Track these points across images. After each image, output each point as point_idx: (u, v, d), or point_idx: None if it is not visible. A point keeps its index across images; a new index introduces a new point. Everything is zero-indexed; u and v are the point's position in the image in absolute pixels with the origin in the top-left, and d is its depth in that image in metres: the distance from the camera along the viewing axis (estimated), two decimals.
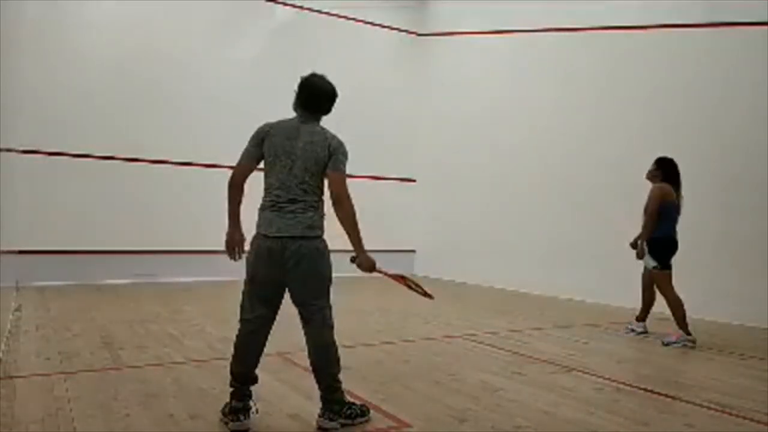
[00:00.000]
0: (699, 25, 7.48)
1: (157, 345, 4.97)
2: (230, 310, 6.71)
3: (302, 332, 3.30)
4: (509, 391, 3.95)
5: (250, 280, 3.24)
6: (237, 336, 3.25)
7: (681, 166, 6.01)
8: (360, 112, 10.19)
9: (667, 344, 5.53)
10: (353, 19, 11.03)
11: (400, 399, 3.66)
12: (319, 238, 3.13)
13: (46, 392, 3.59)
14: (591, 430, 3.26)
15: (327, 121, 3.33)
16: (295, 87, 3.27)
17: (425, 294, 3.52)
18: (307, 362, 4.41)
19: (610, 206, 7.99)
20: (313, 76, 3.25)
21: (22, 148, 8.39)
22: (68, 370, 4.08)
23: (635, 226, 5.97)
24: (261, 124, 3.30)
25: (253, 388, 3.21)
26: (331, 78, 3.32)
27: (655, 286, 5.87)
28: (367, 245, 3.18)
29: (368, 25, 11.26)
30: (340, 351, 3.28)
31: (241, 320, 3.27)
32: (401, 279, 3.47)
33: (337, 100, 3.33)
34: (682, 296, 5.57)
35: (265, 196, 3.19)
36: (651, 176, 5.84)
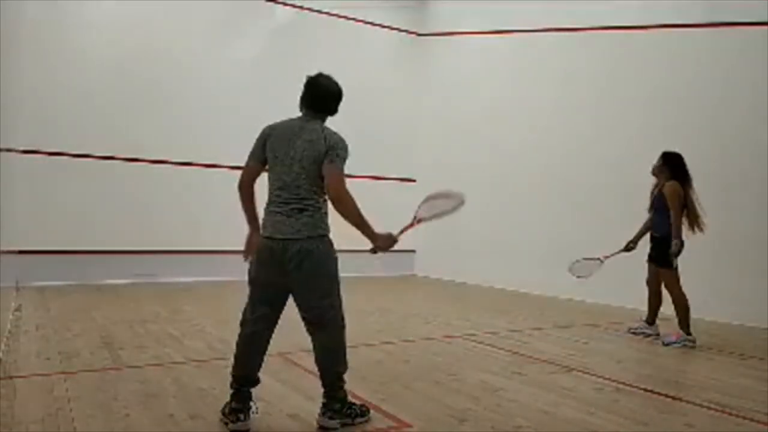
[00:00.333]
0: (699, 25, 7.48)
1: (157, 345, 4.97)
2: (230, 310, 6.72)
3: (304, 331, 3.29)
4: (509, 391, 3.95)
5: (251, 282, 3.24)
6: (238, 337, 3.25)
7: (687, 168, 5.99)
8: (360, 112, 10.18)
9: (667, 344, 5.53)
10: (353, 19, 11.03)
11: (400, 399, 3.66)
12: (322, 237, 3.10)
13: (46, 392, 3.59)
14: (591, 430, 3.26)
15: (329, 121, 3.33)
16: (302, 86, 3.27)
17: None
18: (307, 362, 4.42)
19: (610, 206, 7.99)
20: (320, 76, 3.25)
21: (22, 148, 8.39)
22: (68, 370, 4.08)
23: (634, 226, 5.98)
24: (262, 123, 3.31)
25: (258, 388, 3.21)
26: None
27: (663, 288, 5.82)
28: (368, 245, 3.18)
29: (368, 25, 11.26)
30: None
31: (242, 322, 3.27)
32: (417, 222, 3.42)
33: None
34: None
35: (268, 198, 3.19)
36: (658, 172, 5.74)
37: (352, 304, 3.36)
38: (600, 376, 4.41)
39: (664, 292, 5.80)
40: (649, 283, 5.92)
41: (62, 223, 8.58)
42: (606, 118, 8.52)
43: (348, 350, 3.28)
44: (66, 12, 8.77)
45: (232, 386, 3.17)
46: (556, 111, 9.22)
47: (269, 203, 3.17)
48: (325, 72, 3.32)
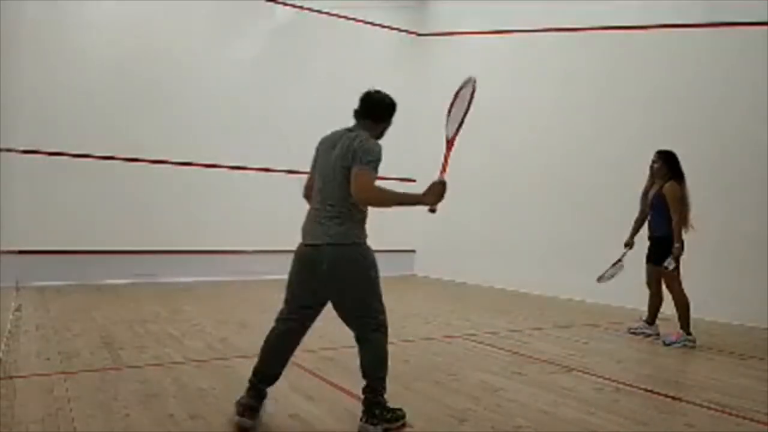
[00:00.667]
0: (699, 25, 7.48)
1: (157, 345, 4.97)
2: (230, 310, 6.75)
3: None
4: (509, 391, 3.95)
5: (288, 284, 3.28)
6: (269, 332, 3.27)
7: (681, 166, 5.98)
8: None
9: (668, 344, 5.53)
10: (353, 19, 11.02)
11: (400, 399, 3.65)
12: (353, 245, 3.08)
13: (46, 392, 3.59)
14: (591, 430, 3.26)
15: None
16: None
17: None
18: (307, 362, 4.43)
19: (610, 206, 7.98)
20: (374, 91, 3.39)
21: (22, 148, 8.39)
22: (68, 370, 4.08)
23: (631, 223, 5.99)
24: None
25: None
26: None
27: (663, 288, 5.82)
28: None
29: (368, 25, 11.26)
30: (341, 352, 3.29)
31: (276, 319, 3.31)
32: (451, 145, 3.48)
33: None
34: None
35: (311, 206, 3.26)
36: (657, 171, 5.73)
37: None
38: (600, 376, 4.41)
39: (665, 292, 5.80)
40: (649, 284, 5.91)
41: (62, 223, 8.57)
42: (606, 118, 8.52)
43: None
44: (66, 12, 8.76)
45: (249, 379, 3.18)
46: (556, 111, 9.22)
47: (309, 210, 3.24)
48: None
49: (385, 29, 11.45)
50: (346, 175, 3.04)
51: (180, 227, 9.29)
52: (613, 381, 4.31)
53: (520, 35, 9.80)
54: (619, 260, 6.05)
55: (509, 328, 6.31)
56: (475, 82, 3.40)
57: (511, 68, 10.00)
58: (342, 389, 3.81)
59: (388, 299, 3.24)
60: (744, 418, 3.55)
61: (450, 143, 3.39)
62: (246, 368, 4.29)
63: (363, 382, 3.13)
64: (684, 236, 5.61)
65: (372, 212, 3.18)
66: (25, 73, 8.40)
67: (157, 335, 5.36)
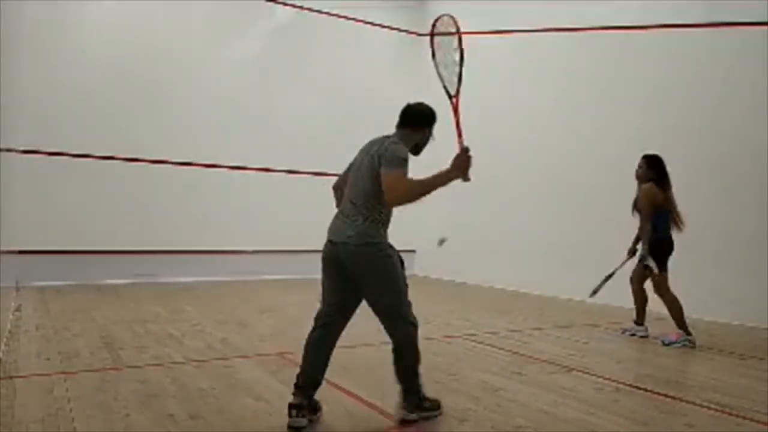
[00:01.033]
0: (699, 25, 7.48)
1: (157, 345, 4.97)
2: (230, 310, 6.74)
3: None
4: (509, 391, 3.94)
5: (321, 283, 3.34)
6: (308, 336, 3.31)
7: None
8: (360, 112, 10.20)
9: (667, 344, 5.53)
10: (353, 19, 11.02)
11: None
12: (368, 244, 3.13)
13: (46, 392, 3.59)
14: (591, 430, 3.26)
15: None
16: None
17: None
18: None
19: (610, 206, 7.96)
20: (415, 102, 3.45)
21: (22, 148, 8.39)
22: (68, 370, 4.08)
23: (634, 226, 5.97)
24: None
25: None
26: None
27: (646, 286, 5.84)
28: None
29: (368, 25, 11.25)
30: (340, 351, 3.29)
31: (315, 318, 3.35)
32: (457, 98, 3.54)
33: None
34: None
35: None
36: (643, 175, 5.74)
37: None
38: (600, 376, 4.41)
39: (648, 290, 5.82)
40: (631, 280, 5.93)
41: (62, 223, 8.58)
42: (606, 118, 8.52)
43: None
44: (66, 12, 8.77)
45: (296, 384, 3.21)
46: (556, 111, 9.22)
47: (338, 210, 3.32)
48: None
49: (385, 29, 11.45)
50: (372, 177, 3.12)
51: (180, 227, 9.29)
52: (613, 381, 4.31)
53: (520, 35, 9.79)
54: (612, 273, 6.00)
55: (509, 328, 6.31)
56: (449, 19, 3.52)
57: (511, 68, 10.00)
58: (342, 389, 3.80)
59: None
60: (744, 418, 3.55)
61: (455, 103, 3.44)
62: (246, 368, 4.31)
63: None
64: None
65: None
66: (25, 73, 8.40)
67: (157, 335, 5.36)
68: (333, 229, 3.23)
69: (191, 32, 9.69)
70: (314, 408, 3.22)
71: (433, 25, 3.53)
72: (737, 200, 7.02)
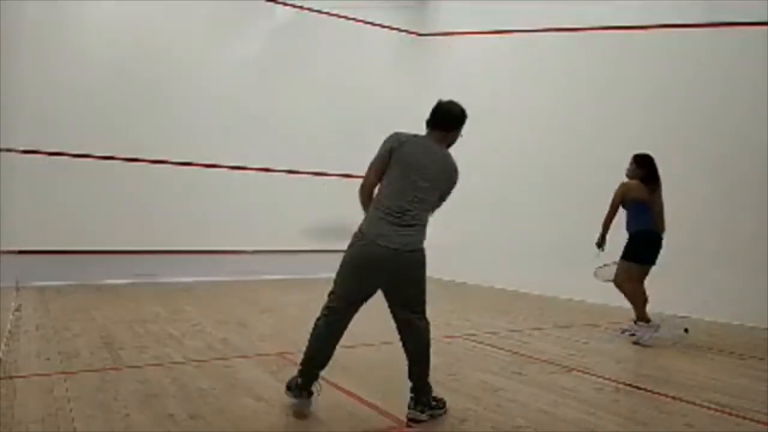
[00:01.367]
0: (699, 25, 7.48)
1: (157, 345, 4.97)
2: (230, 310, 6.74)
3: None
4: (509, 391, 3.95)
5: (344, 281, 3.35)
6: (323, 326, 3.32)
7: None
8: (360, 112, 10.19)
9: (636, 342, 5.49)
10: (353, 19, 11.02)
11: (400, 399, 3.64)
12: (422, 251, 3.33)
13: (46, 392, 3.59)
14: (591, 430, 3.26)
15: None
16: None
17: None
18: None
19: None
20: (446, 101, 3.51)
21: (22, 148, 8.39)
22: (68, 370, 4.08)
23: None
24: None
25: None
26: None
27: (643, 284, 5.81)
28: None
29: (368, 25, 11.25)
30: (340, 351, 3.29)
31: (331, 311, 3.35)
32: None
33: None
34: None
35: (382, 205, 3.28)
36: (631, 174, 5.76)
37: None
38: (600, 376, 4.41)
39: (647, 288, 5.80)
40: (619, 284, 5.92)
41: (62, 223, 8.57)
42: (606, 118, 8.51)
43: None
44: (66, 12, 8.76)
45: (300, 370, 3.32)
46: (556, 111, 9.22)
47: (380, 209, 3.26)
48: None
49: (385, 29, 11.44)
50: (439, 193, 3.38)
51: (180, 227, 9.29)
52: (613, 381, 4.31)
53: (520, 35, 9.79)
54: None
55: (509, 328, 6.31)
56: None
57: (511, 68, 10.00)
58: (342, 389, 3.80)
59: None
60: (744, 418, 3.55)
61: None
62: (246, 368, 4.32)
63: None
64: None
65: None
66: (25, 73, 8.40)
67: (157, 335, 5.36)
68: (400, 238, 3.19)
69: (191, 32, 9.69)
70: (310, 392, 3.35)
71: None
72: (737, 200, 7.02)
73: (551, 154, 9.21)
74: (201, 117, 9.56)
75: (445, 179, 3.36)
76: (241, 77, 9.97)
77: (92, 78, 8.86)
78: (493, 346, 5.32)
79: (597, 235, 5.82)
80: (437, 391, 3.68)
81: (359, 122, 9.86)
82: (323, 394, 3.37)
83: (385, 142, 3.33)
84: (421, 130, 3.47)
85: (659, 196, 5.68)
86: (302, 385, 3.31)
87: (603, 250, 5.73)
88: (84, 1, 8.90)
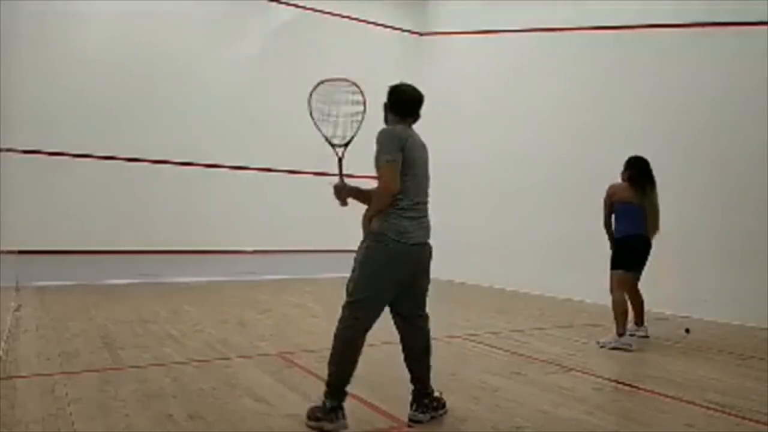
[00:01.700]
0: (699, 25, 7.48)
1: (157, 345, 4.97)
2: (230, 310, 6.74)
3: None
4: (509, 391, 3.95)
5: (380, 288, 3.25)
6: (351, 342, 3.18)
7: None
8: None
9: (602, 346, 5.47)
10: (354, 18, 11.03)
11: (400, 399, 3.65)
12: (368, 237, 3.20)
13: (46, 392, 3.59)
14: (590, 430, 3.26)
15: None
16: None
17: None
18: (307, 362, 4.43)
19: None
20: (405, 84, 3.44)
21: (22, 148, 8.39)
22: (68, 370, 4.08)
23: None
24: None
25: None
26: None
27: (638, 288, 5.83)
28: None
29: (369, 25, 11.26)
30: None
31: (355, 327, 3.21)
32: (341, 157, 3.57)
33: None
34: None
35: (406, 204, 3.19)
36: (622, 176, 5.79)
37: None
38: (600, 376, 4.41)
39: (640, 290, 5.83)
40: (611, 290, 5.91)
41: (62, 223, 8.58)
42: (606, 118, 8.51)
43: None
44: (66, 12, 8.77)
45: (335, 389, 3.14)
46: (556, 111, 9.22)
47: (407, 207, 3.17)
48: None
49: (386, 29, 11.45)
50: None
51: (180, 227, 9.30)
52: (613, 381, 4.31)
53: (520, 35, 9.80)
54: None
55: (509, 328, 6.31)
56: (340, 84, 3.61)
57: (511, 68, 10.00)
58: None
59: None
60: (744, 418, 3.55)
61: (341, 157, 3.57)
62: (246, 368, 4.32)
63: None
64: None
65: None
66: (26, 73, 8.41)
67: (158, 335, 5.36)
68: (422, 231, 3.22)
69: (191, 32, 9.70)
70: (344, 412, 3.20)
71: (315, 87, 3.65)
72: (737, 200, 7.02)
73: (551, 154, 9.21)
74: (201, 117, 9.57)
75: (427, 161, 3.38)
76: (241, 77, 9.97)
77: (93, 78, 8.87)
78: (493, 346, 5.32)
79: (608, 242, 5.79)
80: (437, 391, 3.68)
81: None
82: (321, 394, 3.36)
83: (392, 141, 3.16)
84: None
85: (652, 199, 5.59)
86: (338, 406, 3.13)
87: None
88: (84, 1, 8.91)
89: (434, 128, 10.60)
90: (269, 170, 10.08)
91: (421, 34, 11.71)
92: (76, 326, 5.60)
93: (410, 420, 3.26)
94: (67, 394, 3.57)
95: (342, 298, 3.22)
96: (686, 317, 6.97)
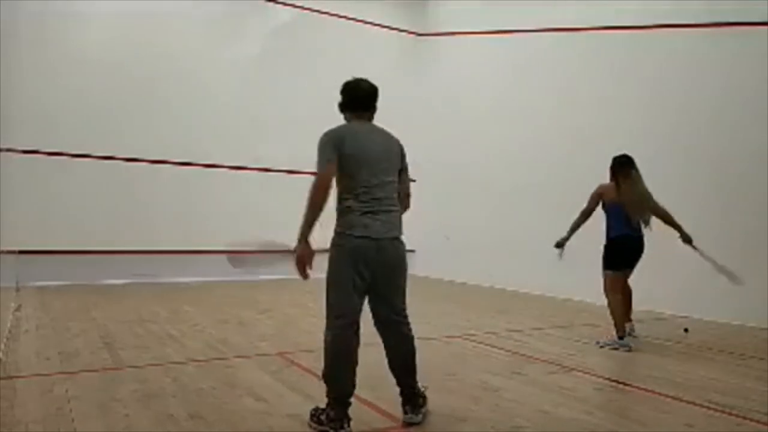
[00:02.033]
0: (699, 25, 7.48)
1: (157, 345, 4.97)
2: (230, 310, 6.74)
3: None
4: (509, 391, 3.94)
5: (345, 283, 3.18)
6: (339, 347, 3.12)
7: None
8: None
9: (602, 346, 5.48)
10: (353, 19, 11.03)
11: (399, 399, 3.65)
12: (335, 234, 3.17)
13: (46, 392, 3.59)
14: (590, 430, 3.26)
15: (330, 122, 3.34)
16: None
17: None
18: (307, 362, 4.43)
19: None
20: (355, 80, 3.37)
21: (22, 148, 8.39)
22: (68, 370, 4.08)
23: None
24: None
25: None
26: (331, 78, 3.36)
27: (627, 284, 5.84)
28: None
29: (368, 25, 11.26)
30: None
31: (351, 334, 3.17)
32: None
33: (336, 101, 3.38)
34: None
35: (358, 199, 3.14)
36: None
37: None
38: (600, 376, 4.41)
39: (633, 289, 5.84)
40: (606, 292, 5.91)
41: (62, 223, 8.58)
42: (606, 118, 8.51)
43: None
44: (66, 12, 8.77)
45: (336, 400, 3.07)
46: (556, 111, 9.22)
47: (366, 203, 3.13)
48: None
49: (385, 29, 11.45)
50: (397, 174, 3.27)
51: (180, 227, 9.30)
52: (613, 381, 4.31)
53: (519, 35, 9.80)
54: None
55: (509, 328, 6.31)
56: None
57: (510, 68, 10.01)
58: None
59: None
60: (744, 418, 3.55)
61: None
62: (246, 368, 4.31)
63: (361, 381, 3.14)
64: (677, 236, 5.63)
65: None
66: (26, 73, 8.41)
67: (157, 335, 5.36)
68: (382, 226, 3.07)
69: (191, 32, 9.70)
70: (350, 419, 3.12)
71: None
72: (737, 200, 7.02)
73: (551, 154, 9.21)
74: (201, 117, 9.58)
75: (396, 156, 3.28)
76: (241, 77, 9.98)
77: (92, 78, 8.88)
78: (493, 346, 5.32)
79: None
80: (438, 391, 3.69)
81: None
82: (323, 394, 3.36)
83: (324, 149, 3.16)
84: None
85: (630, 185, 5.55)
86: (344, 415, 3.04)
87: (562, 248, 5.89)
88: (84, 1, 8.91)
89: (434, 128, 10.70)
90: (268, 170, 10.08)
91: (421, 35, 11.71)
92: (76, 326, 5.60)
93: (405, 422, 3.22)
94: (67, 393, 3.57)
95: None
96: (686, 317, 6.98)
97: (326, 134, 3.18)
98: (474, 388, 4.00)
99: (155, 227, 9.18)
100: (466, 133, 10.49)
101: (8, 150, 8.24)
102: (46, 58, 8.59)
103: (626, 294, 5.87)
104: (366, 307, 3.21)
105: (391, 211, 3.15)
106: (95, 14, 8.98)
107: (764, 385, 4.30)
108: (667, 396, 3.97)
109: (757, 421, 3.49)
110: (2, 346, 4.67)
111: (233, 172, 9.84)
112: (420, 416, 3.26)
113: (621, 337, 5.42)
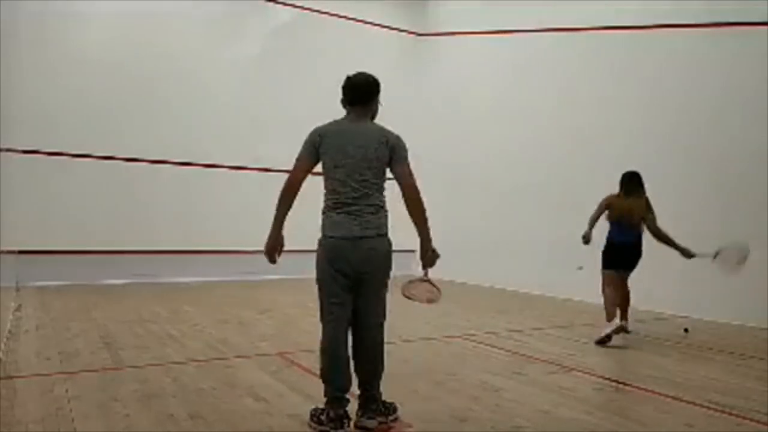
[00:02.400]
0: (699, 25, 7.48)
1: (157, 345, 4.97)
2: (230, 310, 6.74)
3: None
4: (509, 391, 3.94)
5: (330, 283, 3.27)
6: (330, 345, 3.17)
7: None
8: None
9: (596, 342, 5.51)
10: (353, 19, 11.03)
11: (400, 399, 3.65)
12: (387, 237, 3.26)
13: (46, 392, 3.59)
14: (590, 430, 3.26)
15: (328, 121, 3.34)
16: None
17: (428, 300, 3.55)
18: (307, 362, 4.43)
19: None
20: (352, 74, 3.34)
21: (22, 148, 8.39)
22: (68, 370, 4.08)
23: None
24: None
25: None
26: (331, 78, 3.36)
27: (625, 285, 5.95)
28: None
29: (368, 25, 11.26)
30: None
31: (338, 335, 3.21)
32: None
33: (336, 100, 3.38)
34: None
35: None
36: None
37: None
38: (599, 376, 4.41)
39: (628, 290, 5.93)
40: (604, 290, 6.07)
41: (62, 223, 8.58)
42: (606, 118, 8.52)
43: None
44: (66, 12, 8.77)
45: (333, 398, 3.10)
46: (556, 111, 9.22)
47: (342, 203, 3.21)
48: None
49: (385, 29, 11.45)
50: (383, 169, 3.18)
51: (180, 227, 9.30)
52: (613, 381, 4.31)
53: (519, 35, 9.80)
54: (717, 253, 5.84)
55: (509, 328, 6.31)
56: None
57: (510, 68, 10.01)
58: None
59: (388, 299, 3.25)
60: (744, 418, 3.55)
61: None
62: (246, 368, 4.31)
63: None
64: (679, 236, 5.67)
65: None
66: (26, 73, 8.41)
67: (157, 335, 5.36)
68: (358, 225, 3.08)
69: (191, 32, 9.70)
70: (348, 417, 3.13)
71: None
72: (737, 200, 7.02)
73: (551, 154, 9.22)
74: (201, 117, 9.58)
75: (376, 150, 3.15)
76: (241, 77, 9.98)
77: (92, 78, 8.88)
78: (493, 346, 5.32)
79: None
80: (438, 391, 3.68)
81: None
82: (323, 394, 3.36)
83: (303, 148, 3.27)
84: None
85: (623, 199, 5.81)
86: (343, 414, 3.07)
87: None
88: (84, 1, 8.91)
89: (434, 128, 10.70)
90: (268, 170, 10.07)
91: (421, 35, 11.71)
92: (76, 326, 5.60)
93: (356, 426, 3.14)
94: (67, 393, 3.57)
95: None
96: (686, 317, 6.98)
97: (310, 132, 3.27)
98: (474, 388, 4.00)
99: (155, 227, 9.17)
100: (466, 133, 10.49)
101: (8, 150, 8.24)
102: (46, 58, 8.58)
103: (623, 295, 5.95)
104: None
105: (369, 210, 3.13)
106: (95, 14, 8.98)
107: (764, 385, 4.31)
108: (667, 396, 3.97)
109: (757, 421, 3.49)
110: (2, 346, 4.67)
111: (233, 172, 9.84)
112: (372, 422, 3.12)
113: (609, 321, 5.57)
